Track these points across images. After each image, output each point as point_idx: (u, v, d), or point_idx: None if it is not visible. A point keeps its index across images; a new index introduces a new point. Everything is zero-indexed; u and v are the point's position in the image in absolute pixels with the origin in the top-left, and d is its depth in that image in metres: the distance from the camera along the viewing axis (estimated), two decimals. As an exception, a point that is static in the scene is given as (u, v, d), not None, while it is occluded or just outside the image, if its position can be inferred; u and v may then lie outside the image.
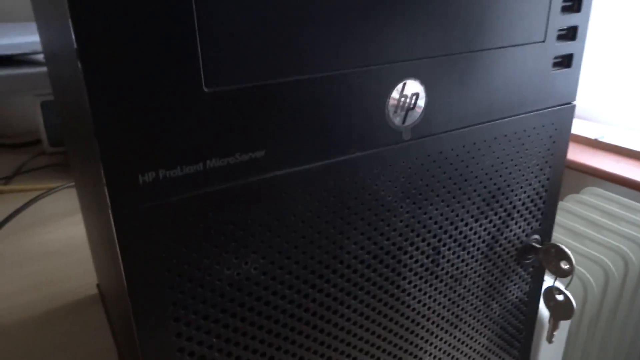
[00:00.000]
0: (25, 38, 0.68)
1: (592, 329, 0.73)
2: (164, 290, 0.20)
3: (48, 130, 0.76)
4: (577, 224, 0.76)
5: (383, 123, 0.24)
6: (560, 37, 0.29)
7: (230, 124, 0.20)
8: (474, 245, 0.30)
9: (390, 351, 0.29)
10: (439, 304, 0.30)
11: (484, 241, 0.31)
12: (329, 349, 0.26)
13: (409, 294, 0.28)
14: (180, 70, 0.18)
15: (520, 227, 0.33)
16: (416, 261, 0.28)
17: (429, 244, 0.28)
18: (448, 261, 0.29)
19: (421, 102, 0.24)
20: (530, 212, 0.33)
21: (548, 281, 0.36)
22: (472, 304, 0.32)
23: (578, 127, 1.04)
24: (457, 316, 0.32)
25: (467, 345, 0.33)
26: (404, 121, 0.24)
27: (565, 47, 0.29)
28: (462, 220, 0.29)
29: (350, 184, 0.24)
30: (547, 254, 0.33)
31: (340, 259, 0.25)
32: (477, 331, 0.33)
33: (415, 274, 0.28)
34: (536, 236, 0.34)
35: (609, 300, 0.70)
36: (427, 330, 0.30)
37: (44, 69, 0.64)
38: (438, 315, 0.31)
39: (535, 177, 0.32)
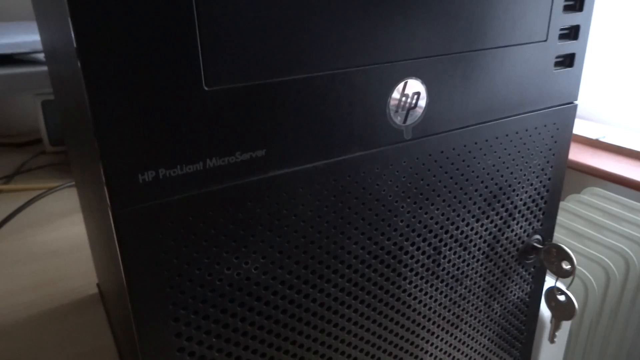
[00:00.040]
0: (26, 37, 0.68)
1: (593, 329, 0.73)
2: (164, 290, 0.20)
3: (49, 129, 0.76)
4: (577, 224, 0.76)
5: (384, 122, 0.23)
6: (562, 37, 0.29)
7: (230, 123, 0.19)
8: (475, 245, 0.30)
9: (390, 351, 0.29)
10: (440, 304, 0.30)
11: (485, 241, 0.31)
12: (330, 349, 0.26)
13: (409, 294, 0.28)
14: (180, 69, 0.18)
15: (521, 227, 0.32)
16: (417, 261, 0.28)
17: (430, 244, 0.28)
18: (449, 261, 0.29)
19: (422, 102, 0.24)
20: (531, 212, 0.33)
21: (549, 281, 0.36)
22: (473, 304, 0.32)
23: (579, 127, 1.04)
24: (457, 316, 0.32)
25: (467, 345, 0.33)
26: (405, 120, 0.24)
27: (567, 47, 0.29)
28: (463, 220, 0.29)
29: (351, 183, 0.23)
30: (548, 254, 0.33)
31: (341, 259, 0.25)
32: (478, 331, 0.33)
33: (416, 274, 0.28)
34: (537, 236, 0.34)
35: (610, 301, 0.70)
36: (428, 331, 0.30)
37: (45, 68, 0.64)
38: (439, 315, 0.30)
39: (537, 177, 0.32)
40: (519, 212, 0.32)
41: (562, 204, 0.82)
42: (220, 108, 0.19)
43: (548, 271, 0.35)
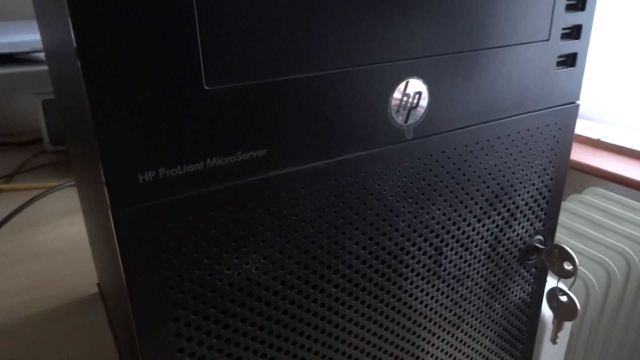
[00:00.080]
0: (27, 36, 0.68)
1: (594, 330, 0.73)
2: (164, 290, 0.20)
3: (49, 128, 0.76)
4: (579, 224, 0.76)
5: (385, 122, 0.23)
6: (565, 36, 0.28)
7: (231, 122, 0.19)
8: (476, 246, 0.30)
9: (391, 352, 0.29)
10: (441, 304, 0.30)
11: (486, 242, 0.31)
12: (330, 350, 0.26)
13: (410, 295, 0.28)
14: (180, 68, 0.18)
15: (523, 228, 0.32)
16: (418, 261, 0.28)
17: (431, 244, 0.28)
18: (450, 262, 0.29)
19: (424, 101, 0.24)
20: (533, 213, 0.32)
21: (550, 282, 0.36)
22: (474, 305, 0.32)
23: (580, 127, 1.03)
24: (459, 317, 0.31)
25: (468, 346, 0.33)
26: (406, 120, 0.24)
27: (569, 46, 0.29)
28: (464, 220, 0.29)
29: (352, 183, 0.23)
30: (550, 254, 0.33)
31: (342, 260, 0.24)
32: (479, 332, 0.33)
33: (417, 274, 0.28)
34: (539, 237, 0.34)
35: (611, 301, 0.70)
36: (429, 331, 0.30)
37: (45, 67, 0.64)
38: (440, 315, 0.30)
39: (539, 177, 0.31)
40: (521, 212, 0.32)
41: (563, 204, 0.82)
42: (220, 107, 0.19)
43: (549, 271, 0.34)
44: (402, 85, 0.23)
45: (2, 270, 0.50)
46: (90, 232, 0.39)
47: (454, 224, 0.28)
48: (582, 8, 0.28)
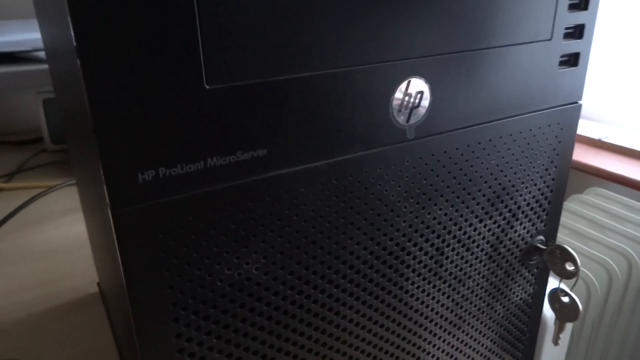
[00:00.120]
0: (27, 35, 0.68)
1: (595, 330, 0.73)
2: (164, 290, 0.20)
3: (50, 127, 0.76)
4: (580, 225, 0.75)
5: (387, 122, 0.23)
6: (567, 36, 0.28)
7: (231, 121, 0.19)
8: (478, 246, 0.30)
9: (392, 352, 0.29)
10: (442, 305, 0.30)
11: (488, 242, 0.30)
12: (331, 350, 0.26)
13: (411, 296, 0.28)
14: (181, 67, 0.18)
15: (524, 228, 0.32)
16: (419, 262, 0.28)
17: (432, 245, 0.28)
18: (452, 262, 0.29)
19: (426, 101, 0.24)
20: (535, 213, 0.32)
21: (552, 282, 0.36)
22: (475, 305, 0.32)
23: (581, 127, 1.03)
24: (460, 318, 0.31)
25: (469, 346, 0.33)
26: (408, 120, 0.24)
27: (572, 46, 0.29)
28: (466, 220, 0.29)
29: (354, 183, 0.23)
30: (551, 255, 0.33)
31: (343, 260, 0.24)
32: (480, 332, 0.33)
33: (418, 275, 0.28)
34: (541, 237, 0.33)
35: (612, 302, 0.70)
36: (430, 332, 0.30)
37: (46, 66, 0.64)
38: (441, 316, 0.30)
39: (541, 177, 0.31)
40: (523, 212, 0.31)
41: (564, 204, 0.82)
42: (221, 107, 0.19)
43: (551, 272, 0.34)
44: (403, 85, 0.23)
45: (2, 269, 0.50)
46: (90, 231, 0.39)
47: (455, 224, 0.28)
48: (585, 7, 0.28)
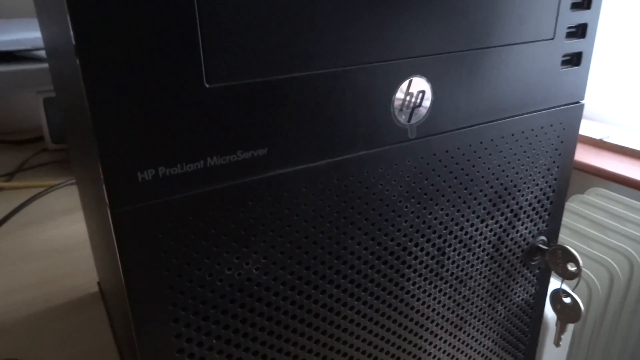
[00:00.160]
0: (28, 34, 0.68)
1: (597, 330, 0.72)
2: (164, 290, 0.20)
3: (50, 127, 0.76)
4: (581, 225, 0.75)
5: (388, 121, 0.23)
6: (570, 35, 0.28)
7: (232, 121, 0.19)
8: (479, 247, 0.30)
9: (393, 353, 0.29)
10: (443, 305, 0.30)
11: (489, 242, 0.30)
12: (331, 351, 0.26)
13: (412, 296, 0.28)
14: (181, 66, 0.17)
15: (526, 228, 0.32)
16: (420, 262, 0.27)
17: (433, 245, 0.28)
18: (453, 262, 0.29)
19: (427, 100, 0.24)
20: (537, 213, 0.32)
21: (554, 283, 0.36)
22: (476, 306, 0.32)
23: (583, 127, 1.03)
24: (461, 318, 0.31)
25: (471, 347, 0.33)
26: (409, 119, 0.24)
27: (575, 45, 0.28)
28: (467, 220, 0.29)
29: (355, 183, 0.23)
30: (553, 255, 0.33)
31: (344, 260, 0.24)
32: (481, 333, 0.33)
33: (420, 275, 0.28)
34: (543, 237, 0.33)
35: (614, 302, 0.70)
36: (431, 332, 0.30)
37: (46, 65, 0.64)
38: (442, 317, 0.30)
39: (543, 177, 0.31)
40: (524, 212, 0.31)
41: (565, 205, 0.81)
42: (221, 106, 0.19)
43: (552, 273, 0.34)
44: (405, 84, 0.23)
45: (2, 269, 0.50)
46: (90, 230, 0.39)
47: (456, 224, 0.28)
48: (588, 6, 0.28)
